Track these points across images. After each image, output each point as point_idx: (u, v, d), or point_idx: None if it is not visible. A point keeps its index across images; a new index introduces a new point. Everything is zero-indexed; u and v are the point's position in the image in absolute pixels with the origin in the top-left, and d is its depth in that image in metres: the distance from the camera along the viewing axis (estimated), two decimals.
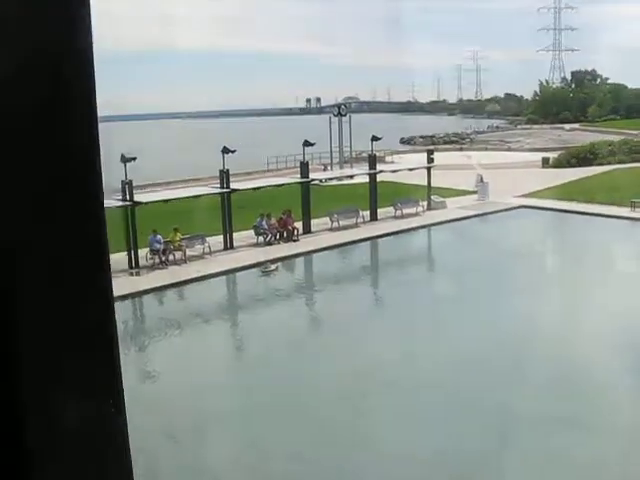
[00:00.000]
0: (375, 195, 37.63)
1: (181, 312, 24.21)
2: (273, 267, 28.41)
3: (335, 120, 55.45)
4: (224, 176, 31.70)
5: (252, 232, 32.48)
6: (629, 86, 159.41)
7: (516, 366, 17.16)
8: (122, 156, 28.20)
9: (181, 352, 20.55)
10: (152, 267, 28.38)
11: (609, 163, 59.14)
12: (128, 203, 28.82)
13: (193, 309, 24.67)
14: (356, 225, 35.84)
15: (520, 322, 21.21)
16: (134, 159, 28.92)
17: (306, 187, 34.68)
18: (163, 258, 28.61)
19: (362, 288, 27.51)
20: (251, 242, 32.16)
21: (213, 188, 33.59)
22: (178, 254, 29.15)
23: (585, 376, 17.37)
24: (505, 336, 20.03)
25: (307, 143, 37.21)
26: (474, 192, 44.84)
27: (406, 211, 38.46)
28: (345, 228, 35.08)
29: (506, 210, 40.61)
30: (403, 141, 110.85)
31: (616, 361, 17.90)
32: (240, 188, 33.24)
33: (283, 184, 35.36)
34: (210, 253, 30.07)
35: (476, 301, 23.89)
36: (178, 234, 29.45)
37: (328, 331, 22.17)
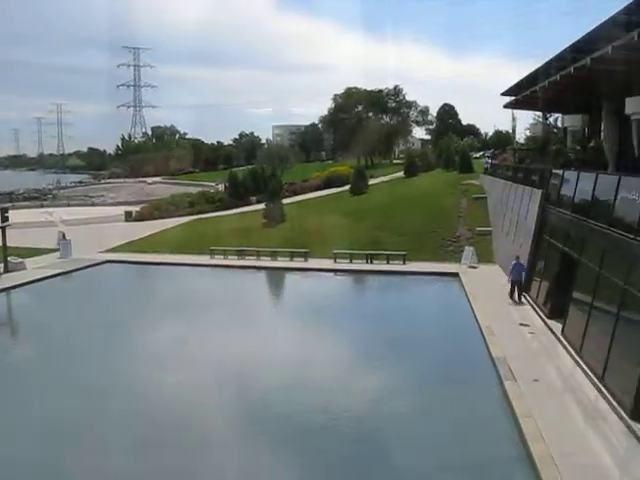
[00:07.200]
0: None
1: None
2: None
3: None
4: None
5: None
6: (205, 141, 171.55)
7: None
8: None
9: None
10: None
11: (190, 214, 62.55)
12: None
13: None
14: None
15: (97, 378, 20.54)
16: None
17: None
18: None
19: None
20: None
21: None
22: None
23: None
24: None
25: None
26: (57, 250, 43.41)
27: None
28: None
29: (90, 266, 40.08)
30: None
31: None
32: None
33: None
34: None
35: (56, 363, 22.59)
36: None
37: None
